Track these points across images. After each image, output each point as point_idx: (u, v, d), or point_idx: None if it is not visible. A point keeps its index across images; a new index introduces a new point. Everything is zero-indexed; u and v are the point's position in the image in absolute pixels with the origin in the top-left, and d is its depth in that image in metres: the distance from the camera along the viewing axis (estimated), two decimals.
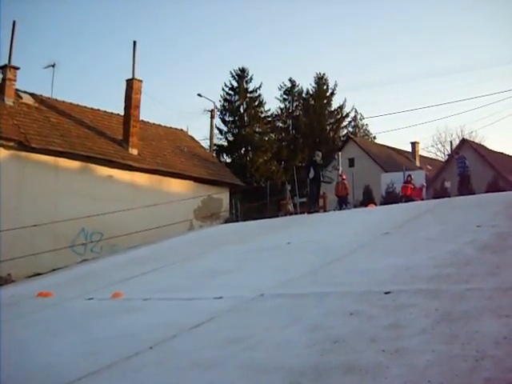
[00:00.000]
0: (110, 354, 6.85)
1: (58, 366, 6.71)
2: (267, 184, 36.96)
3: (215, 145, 50.69)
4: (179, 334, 7.26)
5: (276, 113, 61.28)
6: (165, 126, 32.47)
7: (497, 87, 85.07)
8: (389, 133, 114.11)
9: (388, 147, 59.19)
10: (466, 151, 45.73)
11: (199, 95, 44.28)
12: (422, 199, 29.73)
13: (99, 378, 6.13)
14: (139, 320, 8.63)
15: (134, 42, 27.03)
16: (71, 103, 27.20)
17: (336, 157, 42.19)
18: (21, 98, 24.27)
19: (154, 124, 31.45)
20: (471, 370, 4.59)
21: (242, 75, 56.98)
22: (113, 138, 26.35)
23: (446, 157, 59.76)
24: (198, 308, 8.76)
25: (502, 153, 52.41)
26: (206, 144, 42.65)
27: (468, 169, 26.85)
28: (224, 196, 30.32)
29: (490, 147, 55.14)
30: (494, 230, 10.58)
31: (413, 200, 27.76)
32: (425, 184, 35.40)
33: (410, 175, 31.40)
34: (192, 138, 34.30)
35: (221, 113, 55.92)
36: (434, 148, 75.76)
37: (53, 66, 34.34)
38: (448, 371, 4.64)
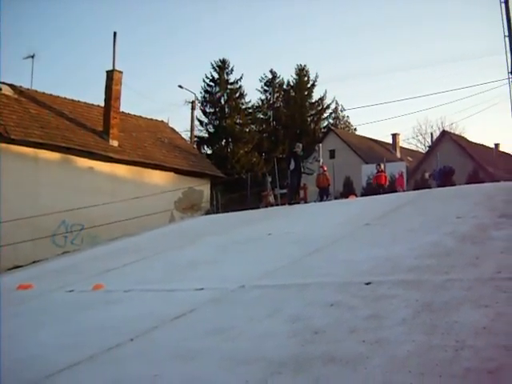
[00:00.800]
0: (91, 345, 6.82)
1: (39, 358, 6.68)
2: (248, 175, 36.92)
3: (196, 136, 50.67)
4: (160, 326, 7.25)
5: (257, 104, 61.37)
6: (145, 118, 32.42)
7: (477, 79, 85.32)
8: (369, 124, 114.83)
9: (369, 139, 59.45)
10: (447, 143, 46.06)
11: (180, 86, 44.29)
12: (404, 190, 29.83)
13: (80, 369, 6.10)
14: (120, 312, 8.60)
15: (115, 33, 26.95)
16: (51, 94, 27.08)
17: (317, 148, 42.26)
18: (0, 89, 24.12)
19: (134, 115, 31.39)
20: (451, 359, 4.62)
21: (222, 66, 56.93)
22: (93, 129, 26.27)
23: (427, 148, 60.05)
24: (179, 299, 8.75)
25: (482, 144, 52.79)
26: (186, 135, 42.61)
27: (445, 168, 26.77)
28: (205, 187, 30.31)
29: (471, 139, 55.48)
30: (474, 221, 10.65)
31: (395, 190, 27.84)
32: (403, 170, 35.56)
33: (378, 164, 31.49)
34: (173, 130, 34.26)
35: (202, 104, 55.88)
36: (414, 140, 75.87)
37: (32, 56, 34.20)
38: (428, 361, 4.67)
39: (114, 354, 6.46)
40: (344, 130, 63.90)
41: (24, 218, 20.07)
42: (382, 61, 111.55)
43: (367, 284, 7.30)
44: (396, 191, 27.60)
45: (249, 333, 6.36)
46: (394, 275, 7.64)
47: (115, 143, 26.30)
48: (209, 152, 54.29)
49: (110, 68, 26.92)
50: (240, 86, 57.41)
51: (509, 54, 27.03)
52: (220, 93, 56.37)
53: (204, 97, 56.44)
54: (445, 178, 26.04)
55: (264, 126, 60.87)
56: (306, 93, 61.99)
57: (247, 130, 56.89)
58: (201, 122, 55.57)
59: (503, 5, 27.08)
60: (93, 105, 28.88)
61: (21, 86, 25.84)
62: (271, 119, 61.56)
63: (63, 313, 9.38)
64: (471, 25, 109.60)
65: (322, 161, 36.52)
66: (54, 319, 8.95)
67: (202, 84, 56.84)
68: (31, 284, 12.95)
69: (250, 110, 59.54)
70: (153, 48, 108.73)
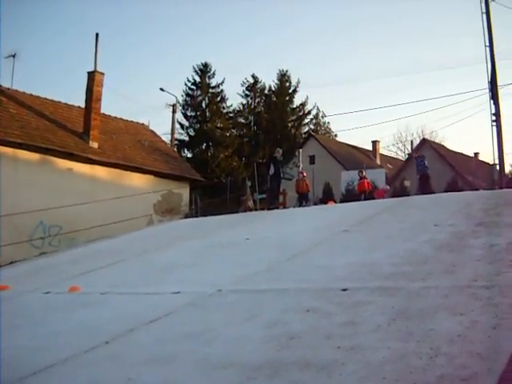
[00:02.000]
0: (66, 348, 6.80)
1: (13, 360, 6.64)
2: (228, 180, 37.03)
3: (176, 139, 50.63)
4: (136, 329, 7.23)
5: (238, 109, 61.44)
6: (126, 120, 32.32)
7: (458, 88, 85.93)
8: (350, 131, 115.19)
9: (349, 145, 59.62)
10: (426, 151, 46.25)
11: (161, 89, 44.23)
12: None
13: (55, 372, 6.08)
14: (96, 314, 8.57)
15: (97, 35, 26.85)
16: (31, 94, 26.92)
17: (297, 154, 42.33)
18: None
19: (115, 117, 31.30)
20: (425, 367, 4.64)
21: (204, 70, 56.96)
22: (73, 130, 26.14)
23: (407, 156, 60.32)
24: (155, 303, 8.73)
25: (461, 153, 53.03)
26: (167, 138, 42.56)
27: (428, 168, 27.01)
28: (184, 191, 30.26)
29: (450, 147, 55.77)
30: (452, 229, 10.70)
31: (373, 198, 27.86)
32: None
33: (360, 171, 31.48)
34: (153, 133, 34.19)
35: (183, 107, 55.89)
36: (394, 147, 76.21)
37: (13, 56, 34.00)
38: (403, 368, 4.69)
39: (89, 356, 6.44)
40: (324, 136, 64.01)
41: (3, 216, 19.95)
42: (363, 68, 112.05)
43: (344, 290, 7.32)
44: (373, 198, 27.60)
45: (225, 337, 6.36)
46: (370, 282, 7.65)
47: (95, 145, 26.21)
48: (189, 155, 54.30)
49: (91, 69, 26.84)
50: (221, 90, 57.61)
51: (489, 64, 27.26)
52: (201, 96, 56.38)
53: (185, 100, 56.49)
54: (423, 181, 26.24)
55: (245, 130, 60.95)
56: (287, 98, 62.15)
57: (228, 134, 56.97)
58: (181, 126, 55.59)
59: (484, 15, 27.31)
60: (73, 106, 28.74)
61: (1, 86, 25.66)
62: (252, 124, 61.63)
63: (39, 314, 9.34)
64: (454, 34, 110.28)
65: (301, 166, 36.57)
66: (30, 321, 8.92)
67: (184, 87, 56.98)
68: (8, 285, 12.87)
69: (231, 115, 59.68)
70: (135, 50, 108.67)
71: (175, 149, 45.59)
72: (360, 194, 29.30)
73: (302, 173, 29.94)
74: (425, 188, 25.39)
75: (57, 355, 6.51)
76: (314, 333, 5.96)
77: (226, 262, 11.23)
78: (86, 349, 6.63)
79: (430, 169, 27.41)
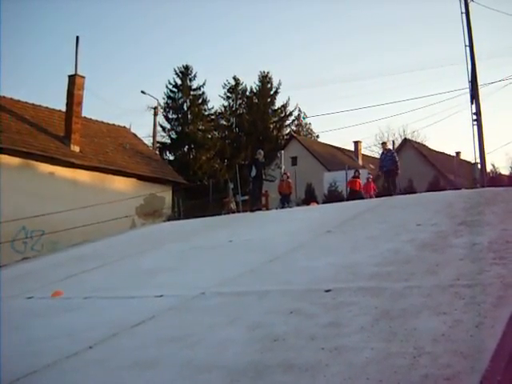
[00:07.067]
0: (49, 353, 6.75)
1: None
2: (210, 182, 36.90)
3: (158, 142, 50.50)
4: (119, 333, 7.20)
5: (220, 111, 61.23)
6: (107, 123, 32.26)
7: (439, 88, 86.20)
8: (332, 132, 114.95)
9: (331, 146, 59.58)
10: (408, 151, 46.42)
11: (143, 92, 44.21)
12: (371, 196, 29.69)
13: (38, 378, 6.04)
14: (79, 319, 8.54)
15: (77, 38, 26.79)
16: (12, 98, 26.82)
17: (279, 155, 42.32)
18: None
19: (96, 121, 31.22)
20: (409, 366, 4.64)
21: (185, 73, 56.73)
22: (54, 134, 26.07)
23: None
24: (138, 307, 8.70)
25: (442, 152, 53.15)
26: (149, 141, 42.48)
27: (397, 164, 26.15)
28: (167, 194, 30.24)
29: (432, 147, 55.92)
30: (434, 229, 10.71)
31: (362, 197, 27.75)
32: (371, 176, 35.55)
33: (357, 170, 31.49)
34: (135, 136, 34.17)
35: (164, 110, 55.62)
36: (376, 147, 76.29)
37: None
38: (386, 368, 4.69)
39: (72, 361, 6.40)
40: (306, 138, 64.00)
41: None
42: (344, 69, 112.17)
43: (327, 291, 7.31)
44: (362, 198, 27.43)
45: (208, 340, 6.34)
46: (353, 282, 7.65)
47: (77, 149, 26.14)
48: (171, 158, 54.08)
49: (72, 73, 26.75)
50: (203, 93, 57.32)
51: (469, 64, 27.33)
52: (183, 99, 56.18)
53: (167, 103, 56.21)
54: (388, 177, 25.77)
55: (226, 132, 60.82)
56: (268, 100, 62.02)
57: (210, 136, 56.78)
58: (163, 128, 55.35)
59: (464, 15, 27.37)
60: (54, 110, 28.67)
61: None
62: (234, 126, 61.51)
63: (21, 320, 9.28)
64: (434, 34, 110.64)
65: (283, 167, 36.59)
66: (12, 326, 8.85)
67: (165, 90, 56.68)
68: None
69: (213, 117, 59.44)
70: (116, 53, 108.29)
71: (157, 151, 45.51)
72: (351, 191, 29.30)
73: (285, 173, 29.94)
74: (391, 185, 25.00)
75: (39, 361, 6.46)
76: (298, 334, 5.95)
77: (209, 265, 11.22)
78: (69, 354, 6.58)
79: (399, 165, 26.58)
